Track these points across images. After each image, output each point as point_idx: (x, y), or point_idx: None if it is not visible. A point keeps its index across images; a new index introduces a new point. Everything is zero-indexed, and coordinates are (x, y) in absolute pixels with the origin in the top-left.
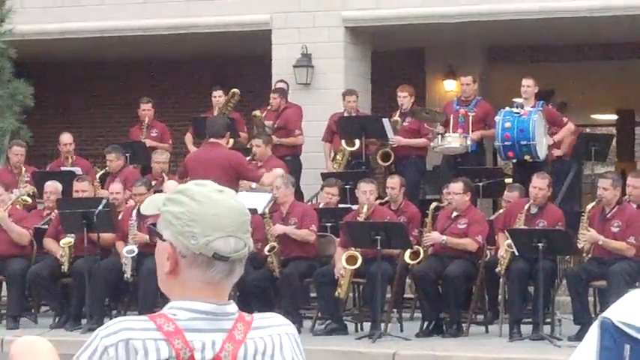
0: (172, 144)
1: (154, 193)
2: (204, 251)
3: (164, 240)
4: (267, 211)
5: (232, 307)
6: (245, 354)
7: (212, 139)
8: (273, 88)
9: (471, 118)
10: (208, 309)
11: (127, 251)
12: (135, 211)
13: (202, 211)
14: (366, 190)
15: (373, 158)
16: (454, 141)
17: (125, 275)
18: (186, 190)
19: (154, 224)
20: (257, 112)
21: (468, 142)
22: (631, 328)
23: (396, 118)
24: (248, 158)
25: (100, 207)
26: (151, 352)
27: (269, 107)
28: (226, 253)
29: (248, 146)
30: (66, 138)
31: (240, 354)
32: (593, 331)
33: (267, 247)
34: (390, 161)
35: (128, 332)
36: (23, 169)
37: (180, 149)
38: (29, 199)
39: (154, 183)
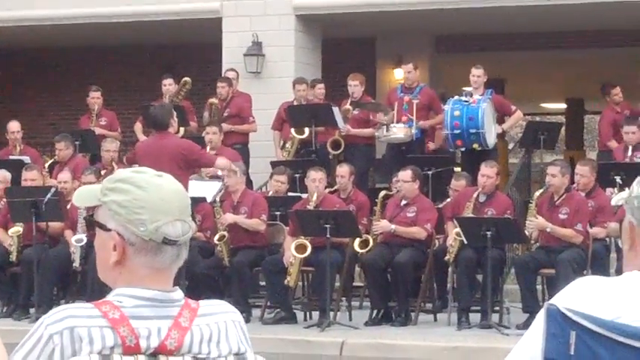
0: (122, 132)
1: None
2: (154, 237)
3: (109, 230)
4: (217, 199)
5: (178, 293)
6: (191, 341)
7: (159, 131)
8: (221, 76)
9: (415, 105)
10: (154, 296)
11: (76, 240)
12: None
13: (149, 197)
14: (315, 178)
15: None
16: (399, 131)
17: (74, 264)
18: (127, 178)
19: (92, 215)
20: (214, 100)
21: (413, 131)
22: (577, 315)
23: (347, 106)
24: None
25: (49, 196)
26: (96, 339)
27: (218, 96)
28: (175, 237)
29: (203, 135)
30: (13, 126)
31: (186, 341)
32: (540, 318)
33: (216, 236)
34: (340, 150)
35: (73, 320)
36: None
37: (130, 138)
38: None
39: (103, 172)
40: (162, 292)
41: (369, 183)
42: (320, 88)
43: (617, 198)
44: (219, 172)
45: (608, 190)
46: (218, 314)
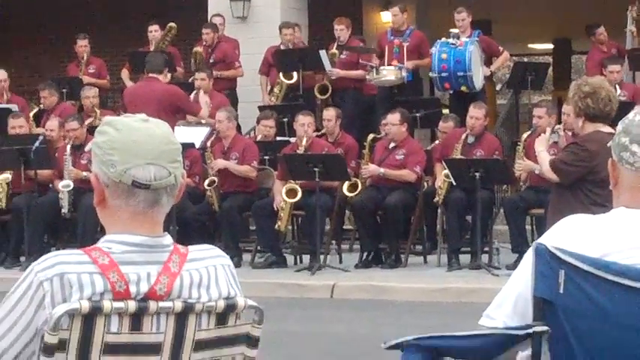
0: (109, 80)
1: (88, 128)
2: (123, 179)
3: (92, 172)
4: (208, 145)
5: (167, 239)
6: (180, 286)
7: (150, 74)
8: (206, 22)
9: (405, 48)
10: (142, 241)
11: (63, 186)
12: (69, 147)
13: (121, 138)
14: (304, 122)
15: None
16: (389, 74)
17: (63, 210)
18: (112, 121)
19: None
20: (198, 49)
21: (404, 74)
22: (565, 254)
23: (334, 50)
24: (194, 93)
25: (37, 144)
26: (86, 285)
27: (204, 43)
28: (146, 181)
29: (189, 81)
30: (0, 74)
31: (176, 286)
32: (528, 258)
33: (206, 182)
34: (328, 94)
35: (63, 266)
36: None
37: (118, 85)
38: None
39: (89, 120)
40: (151, 237)
41: (357, 126)
42: (286, 34)
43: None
44: (203, 121)
45: None
46: (207, 259)
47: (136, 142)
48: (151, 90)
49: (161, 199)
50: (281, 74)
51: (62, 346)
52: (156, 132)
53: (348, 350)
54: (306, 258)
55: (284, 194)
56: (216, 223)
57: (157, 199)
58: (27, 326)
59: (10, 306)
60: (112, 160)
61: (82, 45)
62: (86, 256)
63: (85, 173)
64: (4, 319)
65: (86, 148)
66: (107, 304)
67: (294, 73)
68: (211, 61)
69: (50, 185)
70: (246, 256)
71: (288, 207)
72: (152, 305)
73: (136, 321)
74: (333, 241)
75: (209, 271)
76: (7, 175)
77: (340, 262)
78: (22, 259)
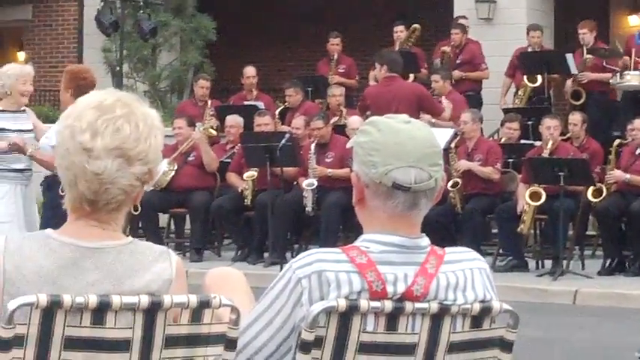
0: (358, 80)
1: (333, 127)
2: (383, 180)
3: (352, 170)
4: (452, 146)
5: (424, 240)
6: (437, 287)
7: (390, 74)
8: (453, 23)
9: None
10: (400, 242)
11: (307, 184)
12: (314, 145)
13: (384, 140)
14: (550, 125)
15: (558, 93)
16: (633, 79)
17: (306, 208)
18: (374, 121)
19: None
20: (446, 48)
21: None
22: None
23: (587, 55)
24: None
25: (284, 141)
26: (343, 284)
27: (452, 43)
28: (406, 184)
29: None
30: (249, 71)
31: (432, 287)
32: None
33: (450, 183)
34: (582, 99)
35: (321, 264)
36: (209, 102)
37: (363, 84)
38: (214, 132)
39: (334, 119)
40: (409, 238)
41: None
42: (533, 36)
43: None
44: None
45: None
46: (464, 261)
47: (398, 144)
48: (395, 88)
49: (420, 201)
50: (525, 77)
51: (318, 343)
52: (418, 134)
53: (592, 358)
54: (548, 263)
55: (527, 197)
56: (458, 224)
57: (416, 202)
58: (284, 323)
59: (268, 302)
60: (373, 161)
61: (334, 43)
62: (344, 255)
63: (329, 171)
64: (262, 315)
65: (347, 145)
66: (364, 303)
67: (538, 76)
68: (458, 61)
69: (295, 183)
70: (487, 259)
71: (532, 210)
72: (408, 306)
73: (392, 321)
74: (576, 247)
75: (465, 274)
76: (253, 173)
77: (582, 268)
78: (266, 255)
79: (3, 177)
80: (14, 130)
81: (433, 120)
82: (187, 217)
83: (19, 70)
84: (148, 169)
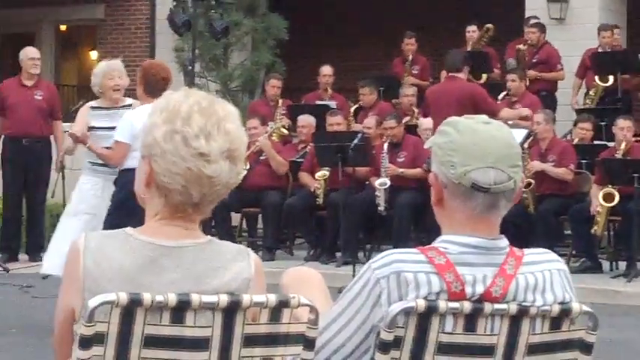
0: (430, 81)
1: (406, 127)
2: (462, 181)
3: (431, 171)
4: (525, 146)
5: (503, 241)
6: (516, 289)
7: (450, 73)
8: (529, 23)
9: None
10: (479, 243)
11: (380, 183)
12: (386, 145)
13: (463, 141)
14: (623, 126)
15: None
16: None
17: (379, 208)
18: (453, 121)
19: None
20: (522, 46)
21: None
22: None
23: None
24: (503, 94)
25: (356, 141)
26: (422, 284)
27: (528, 42)
28: (485, 184)
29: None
30: (326, 69)
31: (511, 288)
32: None
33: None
34: None
35: (400, 264)
36: (280, 101)
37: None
38: (286, 131)
39: (406, 119)
40: (488, 239)
41: None
42: (604, 36)
43: None
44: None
45: None
46: (543, 263)
47: (477, 145)
48: (451, 88)
49: (499, 202)
50: (597, 77)
51: (397, 343)
52: (497, 135)
53: None
54: (622, 264)
55: (601, 199)
56: (531, 225)
57: (495, 203)
58: (362, 323)
59: (347, 302)
60: (452, 162)
61: (409, 43)
62: (422, 256)
63: (401, 170)
64: (341, 315)
65: (425, 146)
66: (443, 304)
67: (610, 77)
68: (534, 60)
69: (367, 182)
70: None
71: (605, 212)
72: (487, 307)
73: (471, 322)
74: None
75: (544, 275)
76: (325, 172)
77: None
78: (338, 254)
79: (93, 170)
80: (103, 128)
81: (510, 121)
82: (260, 216)
83: (105, 66)
84: (242, 166)
